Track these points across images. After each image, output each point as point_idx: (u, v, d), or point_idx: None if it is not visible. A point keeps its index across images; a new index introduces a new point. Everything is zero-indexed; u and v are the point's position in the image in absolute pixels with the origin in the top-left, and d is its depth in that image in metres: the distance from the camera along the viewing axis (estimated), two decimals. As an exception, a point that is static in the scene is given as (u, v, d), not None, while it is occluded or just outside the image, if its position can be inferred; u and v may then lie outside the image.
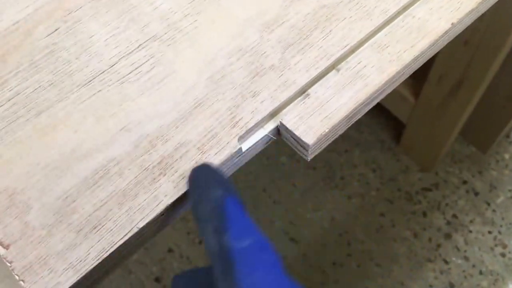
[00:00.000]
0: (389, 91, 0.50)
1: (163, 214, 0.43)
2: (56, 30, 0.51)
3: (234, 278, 0.35)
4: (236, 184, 1.66)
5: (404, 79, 0.51)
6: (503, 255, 1.58)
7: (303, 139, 0.46)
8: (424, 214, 1.64)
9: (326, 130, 0.46)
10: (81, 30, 0.51)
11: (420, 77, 1.41)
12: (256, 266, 0.36)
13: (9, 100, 0.47)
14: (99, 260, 0.41)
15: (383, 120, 1.75)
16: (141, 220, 0.43)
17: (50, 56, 0.49)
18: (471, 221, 1.63)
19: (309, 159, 0.48)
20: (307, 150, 0.47)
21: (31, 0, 0.52)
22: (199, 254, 1.56)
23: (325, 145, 0.48)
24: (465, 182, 1.68)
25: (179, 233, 1.60)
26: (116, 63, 0.49)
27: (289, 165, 1.69)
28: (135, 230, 0.42)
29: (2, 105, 0.47)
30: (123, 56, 0.50)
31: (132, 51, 0.50)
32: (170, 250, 1.56)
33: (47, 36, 0.50)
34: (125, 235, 0.42)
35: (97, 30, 0.51)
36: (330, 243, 1.59)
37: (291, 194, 1.67)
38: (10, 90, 0.48)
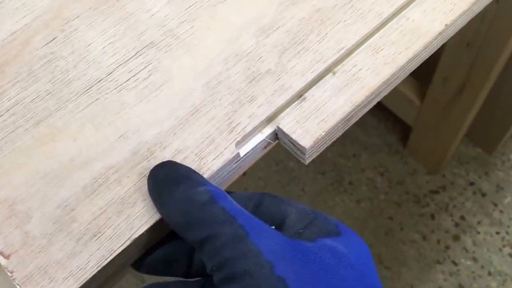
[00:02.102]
0: (385, 93, 0.51)
1: (162, 221, 0.44)
2: (53, 39, 0.51)
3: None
4: (246, 190, 1.66)
5: (399, 81, 0.51)
6: (511, 255, 1.57)
7: (300, 143, 0.46)
8: (432, 217, 1.64)
9: (323, 133, 0.46)
10: (79, 38, 0.51)
11: (425, 79, 1.41)
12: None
13: (8, 110, 0.48)
14: (99, 268, 0.41)
15: (390, 124, 1.75)
16: (140, 227, 0.43)
17: (48, 66, 0.50)
18: (478, 222, 1.62)
19: (306, 162, 0.48)
20: (304, 154, 0.47)
21: (28, 11, 0.52)
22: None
23: (323, 148, 0.48)
24: (472, 184, 1.68)
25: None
26: (114, 71, 0.49)
27: (298, 171, 1.69)
28: (135, 237, 0.42)
29: (1, 116, 0.47)
30: (121, 64, 0.50)
31: (129, 58, 0.50)
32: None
33: (44, 46, 0.51)
34: (124, 242, 0.42)
35: (94, 39, 0.51)
36: (339, 247, 1.59)
37: (301, 199, 1.67)
38: (9, 100, 0.48)
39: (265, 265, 0.36)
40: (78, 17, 0.52)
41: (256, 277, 0.36)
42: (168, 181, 0.41)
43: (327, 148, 0.48)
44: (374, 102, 0.50)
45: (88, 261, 0.41)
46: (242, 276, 0.36)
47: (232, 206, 0.39)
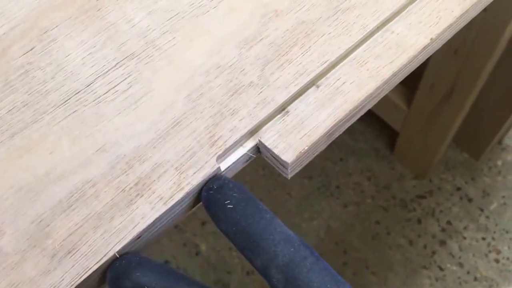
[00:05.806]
0: (369, 107, 0.50)
1: (139, 237, 0.43)
2: (31, 49, 0.50)
3: None
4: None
5: (384, 94, 0.50)
6: (497, 261, 1.57)
7: (282, 158, 0.45)
8: (419, 221, 1.63)
9: (306, 148, 0.45)
10: (57, 49, 0.50)
11: (412, 85, 1.41)
12: None
13: (-17, 122, 0.47)
14: (73, 286, 0.40)
15: (377, 129, 1.75)
16: (117, 243, 0.42)
17: (25, 76, 0.49)
18: (465, 228, 1.62)
19: (289, 177, 0.47)
20: (286, 168, 0.46)
21: (6, 20, 0.51)
22: (196, 265, 1.56)
23: (306, 163, 0.47)
24: (458, 189, 1.67)
25: (176, 245, 1.59)
26: (93, 82, 0.48)
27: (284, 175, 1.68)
28: (111, 254, 0.41)
29: (-24, 127, 0.46)
30: (100, 75, 0.49)
31: (109, 70, 0.49)
32: (166, 262, 1.55)
33: (22, 56, 0.50)
34: (100, 260, 0.41)
35: (73, 49, 0.50)
36: (326, 252, 1.59)
37: (287, 203, 1.66)
38: (-16, 112, 0.47)
39: None
40: (57, 26, 0.51)
41: None
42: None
43: (313, 152, 0.48)
44: (358, 116, 0.49)
45: (62, 279, 0.40)
46: None
47: None
